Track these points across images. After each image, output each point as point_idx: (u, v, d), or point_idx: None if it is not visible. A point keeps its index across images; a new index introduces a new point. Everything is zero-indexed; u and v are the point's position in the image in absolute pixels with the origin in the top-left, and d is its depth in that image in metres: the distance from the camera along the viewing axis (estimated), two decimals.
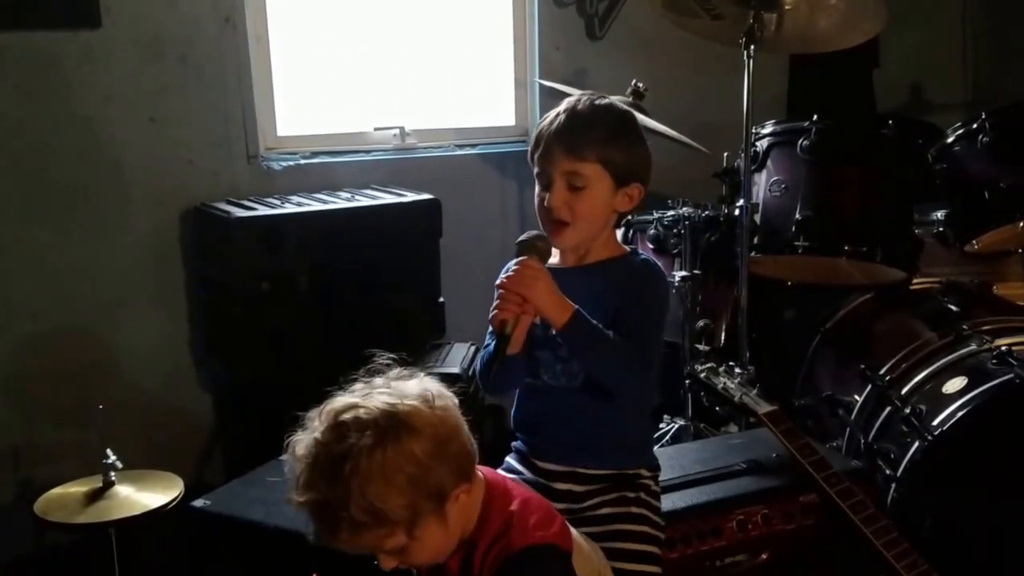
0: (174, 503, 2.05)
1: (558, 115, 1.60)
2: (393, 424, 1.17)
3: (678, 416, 2.83)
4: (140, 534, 2.09)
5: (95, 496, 2.04)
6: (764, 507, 1.87)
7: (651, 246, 2.90)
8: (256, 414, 2.70)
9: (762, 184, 2.74)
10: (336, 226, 2.76)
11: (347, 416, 1.18)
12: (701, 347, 2.83)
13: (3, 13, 2.55)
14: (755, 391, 2.11)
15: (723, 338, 2.94)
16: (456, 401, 1.28)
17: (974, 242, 2.80)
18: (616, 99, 1.70)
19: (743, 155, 2.65)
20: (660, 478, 1.71)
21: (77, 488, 2.08)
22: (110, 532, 2.04)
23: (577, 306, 1.50)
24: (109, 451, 2.10)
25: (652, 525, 1.62)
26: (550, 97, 3.21)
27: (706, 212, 2.82)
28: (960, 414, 2.10)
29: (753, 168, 2.72)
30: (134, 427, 2.75)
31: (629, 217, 2.52)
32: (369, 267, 2.77)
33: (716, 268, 2.86)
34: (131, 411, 2.79)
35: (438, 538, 1.22)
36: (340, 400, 1.21)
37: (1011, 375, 2.11)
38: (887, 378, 2.37)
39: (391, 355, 1.31)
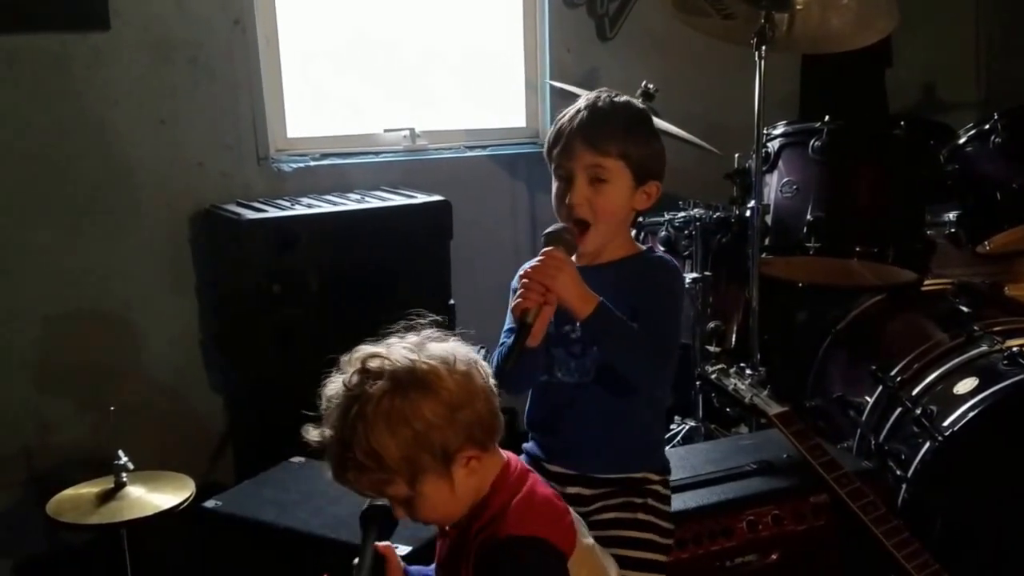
0: (185, 504, 2.06)
1: (579, 111, 1.61)
2: (408, 379, 1.20)
3: (689, 417, 2.83)
4: (151, 535, 2.10)
5: (107, 497, 2.05)
6: (775, 507, 1.87)
7: (662, 247, 2.90)
8: (266, 415, 2.71)
9: (773, 185, 2.74)
10: (347, 228, 2.76)
11: (371, 363, 1.22)
12: (712, 348, 2.82)
13: (12, 15, 2.56)
14: (766, 392, 2.11)
15: (734, 340, 2.94)
16: (487, 373, 1.29)
17: (986, 243, 2.79)
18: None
19: (754, 156, 2.64)
20: (671, 478, 1.71)
21: (89, 489, 2.09)
22: (122, 533, 2.05)
23: (601, 298, 1.50)
24: (120, 452, 2.11)
25: (658, 532, 1.62)
26: (561, 98, 3.21)
27: (717, 213, 2.82)
28: (971, 415, 2.09)
29: (764, 169, 2.72)
30: (145, 429, 2.76)
31: (640, 219, 2.52)
32: (379, 269, 2.78)
33: (727, 269, 2.86)
34: (142, 413, 2.80)
35: (443, 497, 1.24)
36: (370, 348, 1.25)
37: (1022, 376, 2.10)
38: (898, 379, 2.37)
39: (433, 316, 1.32)
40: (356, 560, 1.29)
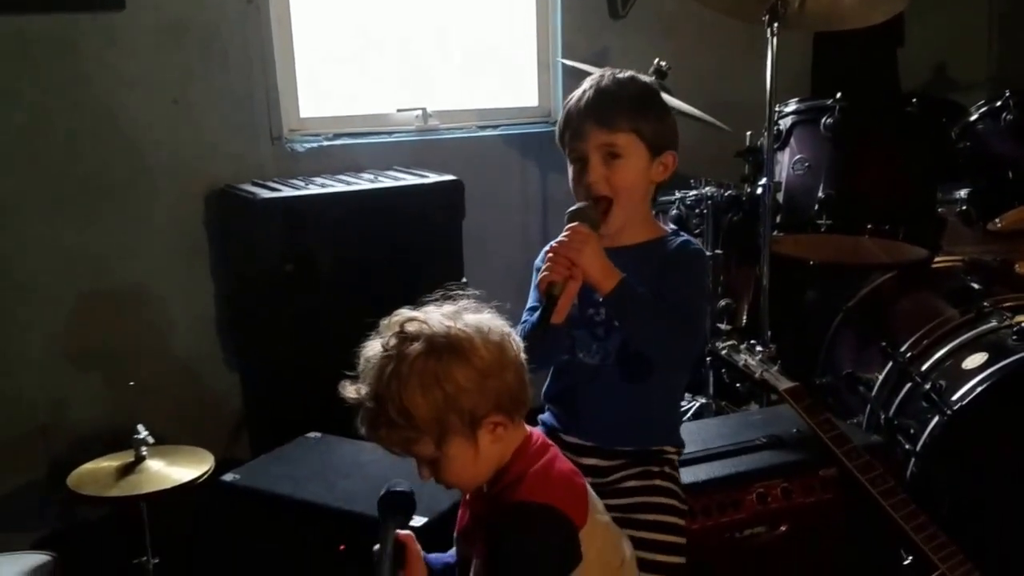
0: (204, 477, 2.09)
1: (584, 92, 1.63)
2: (443, 344, 1.25)
3: (700, 395, 2.85)
4: (170, 509, 2.13)
5: (127, 470, 2.09)
6: (784, 481, 1.89)
7: (673, 226, 2.91)
8: (281, 393, 2.75)
9: (785, 162, 2.74)
10: (360, 207, 2.78)
11: (409, 327, 1.27)
12: (723, 327, 2.84)
13: None
14: (776, 368, 2.12)
15: (745, 318, 2.96)
16: (519, 346, 1.32)
17: (997, 220, 2.80)
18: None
19: (766, 133, 2.65)
20: (683, 452, 1.74)
21: (109, 463, 2.12)
22: (141, 506, 2.08)
23: (624, 274, 1.52)
24: (140, 426, 2.14)
25: (677, 498, 1.65)
26: (573, 77, 3.20)
27: (728, 192, 2.83)
28: (979, 389, 2.11)
29: (776, 146, 2.72)
30: (161, 408, 2.79)
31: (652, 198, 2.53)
32: (392, 248, 2.80)
33: (738, 248, 2.87)
34: (158, 392, 2.83)
35: (467, 460, 1.27)
36: (409, 312, 1.30)
37: None
38: (908, 355, 2.38)
39: (473, 290, 1.36)
40: (376, 547, 1.31)
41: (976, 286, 2.58)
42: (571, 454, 1.62)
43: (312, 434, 2.35)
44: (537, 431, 1.41)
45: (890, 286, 2.87)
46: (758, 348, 2.26)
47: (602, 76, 1.65)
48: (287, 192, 2.74)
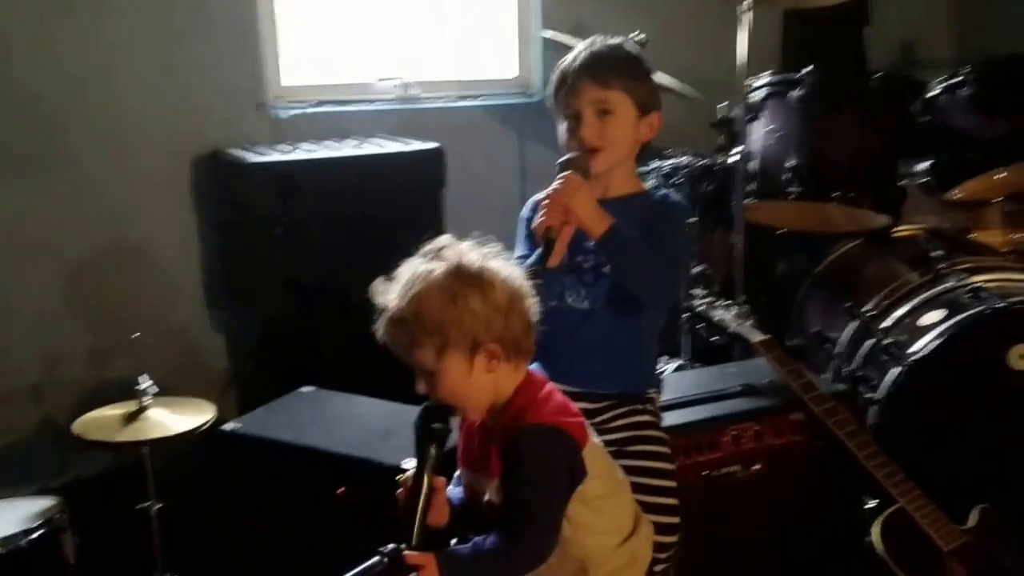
0: (207, 425, 2.17)
1: (579, 54, 1.76)
2: (469, 272, 1.37)
3: (676, 357, 2.97)
4: (172, 457, 2.21)
5: (131, 418, 2.16)
6: (756, 424, 2.04)
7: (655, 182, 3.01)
8: (270, 353, 2.83)
9: (758, 133, 2.86)
10: (347, 172, 2.85)
11: (447, 251, 1.40)
12: (698, 292, 2.96)
13: None
14: (750, 322, 2.26)
15: (719, 284, 3.08)
16: (532, 300, 1.43)
17: (955, 191, 2.94)
18: None
19: (741, 105, 2.76)
20: (664, 399, 1.89)
21: (113, 411, 2.19)
22: (144, 453, 2.16)
23: (614, 219, 1.64)
24: (142, 377, 2.21)
25: (658, 430, 1.79)
26: (552, 50, 3.29)
27: (703, 161, 2.95)
28: (936, 342, 2.26)
29: (749, 118, 2.84)
30: (150, 367, 2.81)
31: None
32: (377, 212, 2.86)
33: (713, 216, 2.99)
34: (148, 351, 2.84)
35: (460, 378, 1.39)
36: (448, 239, 1.43)
37: (984, 307, 2.27)
38: (870, 314, 2.52)
39: (497, 241, 1.46)
40: (410, 472, 1.40)
41: (935, 252, 2.73)
42: None
43: (305, 388, 2.43)
44: (535, 371, 1.53)
45: (855, 252, 3.01)
46: (733, 305, 2.39)
47: (594, 41, 1.79)
48: (276, 156, 2.81)
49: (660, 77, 2.84)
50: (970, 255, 2.72)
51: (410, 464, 1.43)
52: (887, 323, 2.45)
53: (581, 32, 3.41)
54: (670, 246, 1.70)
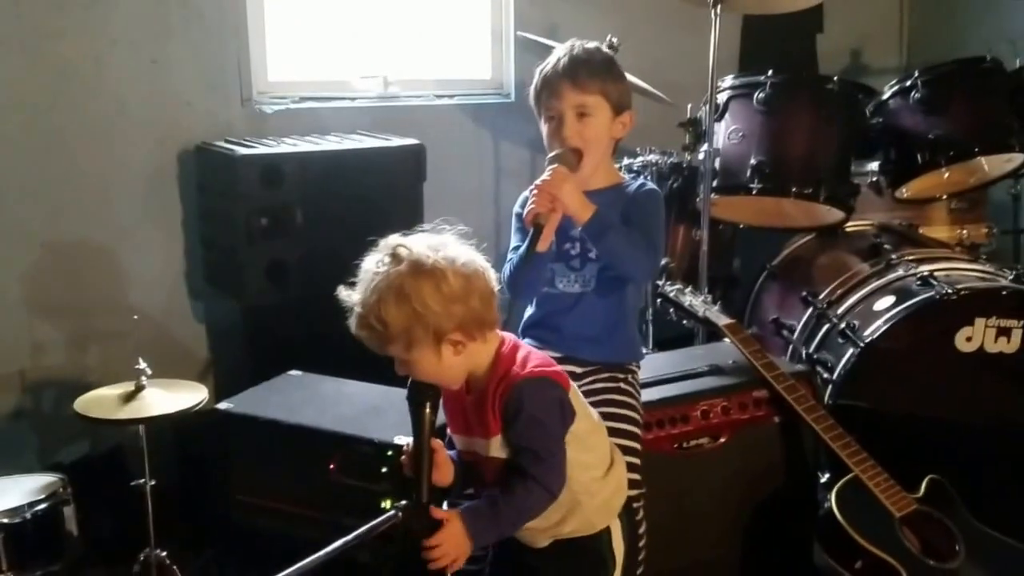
0: (202, 404, 2.26)
1: (559, 59, 1.91)
2: (420, 268, 1.45)
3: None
4: (166, 436, 2.28)
5: (129, 398, 2.24)
6: (723, 400, 2.21)
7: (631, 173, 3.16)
8: (253, 342, 2.91)
9: (721, 132, 3.03)
10: (331, 166, 2.92)
11: (397, 249, 1.47)
12: (662, 284, 3.12)
13: None
14: (716, 307, 2.43)
15: (681, 276, 3.24)
16: (489, 278, 1.53)
17: (903, 189, 3.13)
18: None
19: (707, 106, 2.93)
20: (640, 378, 2.04)
21: (111, 391, 2.27)
22: (139, 429, 2.24)
23: (598, 206, 1.79)
24: (140, 359, 2.30)
25: (635, 399, 1.96)
26: (525, 51, 3.42)
27: (671, 159, 3.11)
28: (888, 325, 2.45)
29: (714, 118, 3.01)
30: (132, 357, 2.93)
31: None
32: (359, 206, 2.92)
33: (677, 211, 3.16)
34: (129, 341, 2.94)
35: (431, 365, 1.49)
36: (401, 238, 1.51)
37: (932, 292, 2.46)
38: (826, 302, 2.71)
39: (461, 226, 1.56)
40: (409, 441, 1.52)
41: (886, 245, 2.92)
42: None
43: (293, 372, 2.52)
44: (506, 334, 1.63)
45: (810, 246, 3.20)
46: (698, 294, 2.55)
47: (572, 46, 1.94)
48: (263, 149, 2.88)
49: (634, 79, 3.01)
50: (918, 247, 2.91)
51: (404, 440, 1.55)
52: (841, 309, 2.63)
53: (556, 34, 3.59)
54: (649, 228, 1.87)
